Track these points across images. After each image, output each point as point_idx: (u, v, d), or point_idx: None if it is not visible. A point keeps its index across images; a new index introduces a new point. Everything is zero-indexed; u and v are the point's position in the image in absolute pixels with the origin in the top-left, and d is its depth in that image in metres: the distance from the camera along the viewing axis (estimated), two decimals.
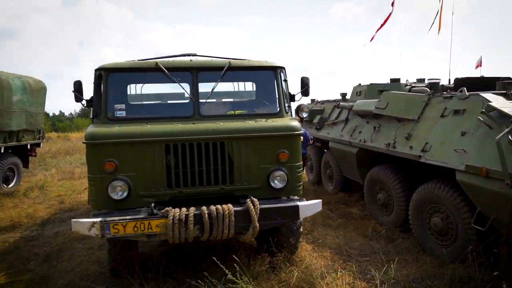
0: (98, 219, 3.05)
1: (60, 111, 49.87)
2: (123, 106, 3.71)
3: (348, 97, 7.83)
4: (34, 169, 11.98)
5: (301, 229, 4.15)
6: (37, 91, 9.00)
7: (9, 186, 8.55)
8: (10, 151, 8.46)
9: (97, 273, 4.17)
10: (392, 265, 3.55)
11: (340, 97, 7.87)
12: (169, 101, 4.95)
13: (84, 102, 3.89)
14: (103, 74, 3.74)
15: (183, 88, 3.85)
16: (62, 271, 4.32)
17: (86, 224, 3.04)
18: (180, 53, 4.40)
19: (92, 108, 3.86)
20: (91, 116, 3.90)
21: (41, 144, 9.76)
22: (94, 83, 3.82)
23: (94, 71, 3.85)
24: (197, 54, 4.57)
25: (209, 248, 4.54)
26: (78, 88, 3.87)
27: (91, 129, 3.48)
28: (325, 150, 8.04)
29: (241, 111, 4.31)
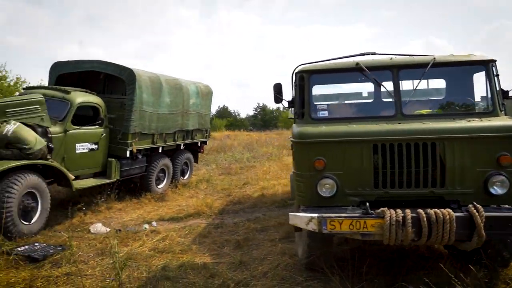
0: (316, 215, 3.19)
1: None
2: (325, 106, 3.84)
3: None
4: (198, 164, 13.54)
5: None
6: (206, 94, 10.10)
7: (185, 178, 9.81)
8: (184, 147, 9.70)
9: (289, 264, 4.42)
10: None
11: None
12: (365, 101, 4.95)
13: (284, 103, 4.16)
14: (305, 76, 3.93)
15: (384, 87, 3.79)
16: (256, 258, 4.71)
17: (304, 219, 3.22)
18: (350, 54, 4.33)
19: (292, 109, 4.10)
20: (291, 117, 4.14)
21: (207, 142, 10.94)
22: (295, 84, 4.05)
23: (293, 74, 4.08)
24: (376, 52, 4.48)
25: (400, 253, 4.39)
26: (278, 90, 4.16)
27: (299, 128, 3.68)
28: None
29: (439, 110, 4.05)
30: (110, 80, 8.92)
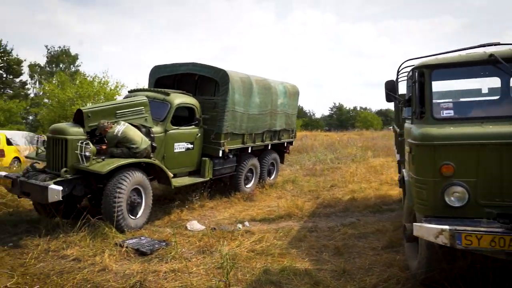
0: (448, 227, 2.83)
1: None
2: (450, 105, 3.42)
3: None
4: (282, 164, 13.50)
5: None
6: (293, 94, 9.95)
7: (271, 178, 9.77)
8: (271, 148, 9.65)
9: (401, 278, 4.05)
10: None
11: None
12: (487, 98, 4.40)
13: (397, 101, 3.80)
14: (426, 71, 3.54)
15: None
16: (360, 268, 4.41)
17: (432, 231, 2.87)
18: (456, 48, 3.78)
19: (408, 108, 3.73)
20: (405, 116, 3.78)
21: (293, 143, 10.80)
22: (412, 81, 3.68)
23: (411, 70, 3.71)
24: (500, 43, 3.89)
25: None
26: (391, 87, 3.82)
27: (421, 129, 3.32)
28: None
29: None
30: (201, 82, 9.22)
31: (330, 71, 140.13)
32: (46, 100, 27.99)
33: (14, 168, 11.38)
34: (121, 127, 5.74)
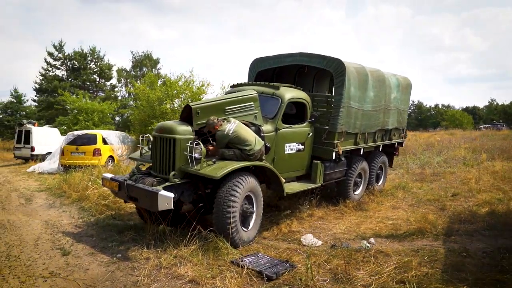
0: None
1: None
2: None
3: None
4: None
5: None
6: (406, 88, 8.62)
7: (379, 184, 8.55)
8: (381, 149, 8.42)
9: None
10: None
11: None
12: None
13: None
14: None
15: None
16: None
17: None
18: None
19: None
20: None
21: (403, 143, 9.43)
22: None
23: None
24: None
25: None
26: None
27: None
28: None
29: None
30: (300, 75, 8.33)
31: (404, 66, 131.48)
32: (131, 102, 29.47)
33: (109, 167, 11.54)
34: (232, 125, 5.02)
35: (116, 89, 37.48)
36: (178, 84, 14.87)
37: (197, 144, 4.76)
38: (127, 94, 37.19)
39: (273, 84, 6.18)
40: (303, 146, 6.19)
